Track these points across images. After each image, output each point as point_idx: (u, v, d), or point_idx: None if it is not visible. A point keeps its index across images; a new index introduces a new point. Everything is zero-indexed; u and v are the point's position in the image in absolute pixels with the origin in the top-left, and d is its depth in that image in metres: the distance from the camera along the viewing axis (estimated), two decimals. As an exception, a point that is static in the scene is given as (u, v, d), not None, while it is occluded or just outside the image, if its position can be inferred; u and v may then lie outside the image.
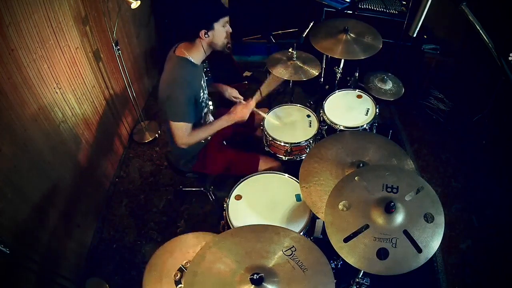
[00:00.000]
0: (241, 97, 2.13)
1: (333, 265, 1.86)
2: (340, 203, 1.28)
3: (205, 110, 1.99)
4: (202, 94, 1.88)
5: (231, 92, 2.16)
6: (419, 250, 1.14)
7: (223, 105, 2.15)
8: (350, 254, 1.17)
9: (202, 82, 1.90)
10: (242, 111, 1.91)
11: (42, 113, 1.84)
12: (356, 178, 1.35)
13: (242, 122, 1.92)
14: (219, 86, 2.18)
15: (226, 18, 1.71)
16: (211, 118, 2.10)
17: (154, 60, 3.54)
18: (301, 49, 2.38)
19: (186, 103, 1.73)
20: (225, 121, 1.89)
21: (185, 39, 1.76)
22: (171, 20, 3.44)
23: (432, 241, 1.16)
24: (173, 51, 1.80)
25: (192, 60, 1.77)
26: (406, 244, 1.16)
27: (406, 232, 1.18)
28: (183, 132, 1.77)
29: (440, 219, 1.20)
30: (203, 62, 1.87)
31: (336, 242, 1.20)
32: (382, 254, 1.16)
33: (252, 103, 1.98)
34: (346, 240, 1.19)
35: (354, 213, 1.25)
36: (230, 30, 1.76)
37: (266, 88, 2.09)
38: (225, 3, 3.30)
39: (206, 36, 1.68)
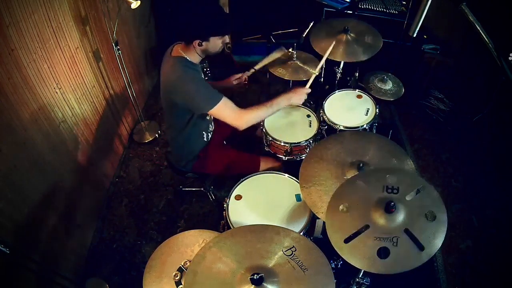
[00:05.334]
0: (239, 74, 2.15)
1: (333, 265, 1.87)
2: (340, 205, 1.28)
3: None
4: None
5: (233, 77, 2.16)
6: (421, 248, 1.14)
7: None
8: (351, 254, 1.17)
9: None
10: (302, 92, 1.90)
11: (42, 113, 1.84)
12: (357, 182, 1.34)
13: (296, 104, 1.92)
14: (223, 83, 2.17)
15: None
16: (212, 124, 2.10)
17: (154, 60, 3.54)
18: (301, 49, 2.38)
19: (206, 85, 1.70)
20: (284, 100, 1.85)
21: (181, 40, 1.75)
22: (171, 20, 3.44)
23: (435, 239, 1.15)
24: (169, 52, 1.79)
25: (189, 59, 1.75)
26: (407, 242, 1.16)
27: (407, 231, 1.18)
28: (231, 109, 1.73)
29: (443, 217, 1.19)
30: (201, 62, 1.86)
31: (336, 242, 1.20)
32: (382, 253, 1.15)
33: (308, 88, 1.95)
34: (347, 241, 1.19)
35: (354, 214, 1.25)
36: (227, 40, 1.74)
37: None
38: (226, 4, 3.30)
39: (200, 45, 1.67)
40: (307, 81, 2.03)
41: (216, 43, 1.70)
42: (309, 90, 1.95)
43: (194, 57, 1.76)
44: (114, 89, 2.69)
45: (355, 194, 1.31)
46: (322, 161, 1.60)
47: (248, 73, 2.18)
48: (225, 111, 1.72)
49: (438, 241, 1.15)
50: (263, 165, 2.03)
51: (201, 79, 1.73)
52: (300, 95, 1.90)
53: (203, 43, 1.67)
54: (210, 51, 1.73)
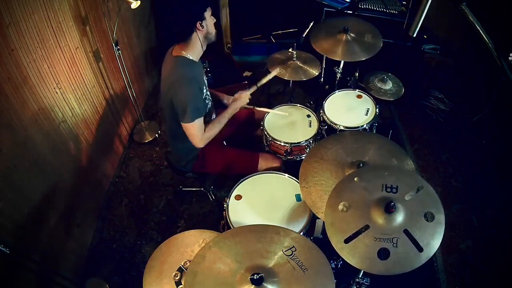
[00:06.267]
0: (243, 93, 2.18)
1: (333, 265, 1.86)
2: (340, 204, 1.28)
3: (209, 106, 1.99)
4: (205, 90, 1.88)
5: (229, 99, 2.18)
6: (420, 249, 1.14)
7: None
8: (351, 255, 1.17)
9: (204, 79, 1.91)
10: (244, 96, 2.03)
11: (42, 113, 1.84)
12: (355, 179, 1.34)
13: (241, 108, 2.04)
14: (216, 94, 2.19)
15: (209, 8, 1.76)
16: (213, 115, 2.10)
17: (154, 60, 3.54)
18: (301, 49, 2.38)
19: (197, 99, 1.75)
20: (231, 110, 1.96)
21: (181, 39, 1.76)
22: (171, 20, 3.44)
23: (433, 240, 1.16)
24: (170, 52, 1.81)
25: (189, 58, 1.77)
26: (407, 243, 1.16)
27: (406, 232, 1.18)
28: (199, 130, 1.80)
29: (441, 218, 1.19)
30: (202, 60, 1.87)
31: (336, 243, 1.20)
32: (382, 254, 1.16)
33: (250, 90, 2.10)
34: (347, 241, 1.19)
35: (354, 214, 1.25)
36: (215, 20, 1.79)
37: (262, 82, 2.17)
38: (226, 4, 3.30)
39: (202, 27, 1.70)
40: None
41: (210, 21, 1.74)
42: (251, 90, 2.10)
43: (195, 52, 1.78)
44: (114, 89, 2.69)
45: (354, 193, 1.31)
46: (322, 161, 1.61)
47: (252, 90, 2.18)
48: (195, 130, 1.78)
49: (436, 242, 1.15)
50: (263, 162, 2.03)
51: (196, 90, 1.74)
52: (243, 99, 2.03)
53: (203, 23, 1.70)
54: (211, 32, 1.76)
